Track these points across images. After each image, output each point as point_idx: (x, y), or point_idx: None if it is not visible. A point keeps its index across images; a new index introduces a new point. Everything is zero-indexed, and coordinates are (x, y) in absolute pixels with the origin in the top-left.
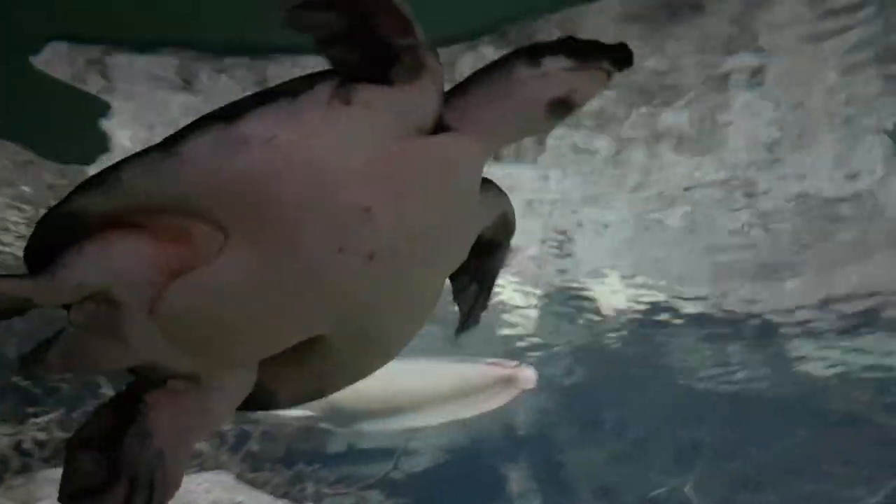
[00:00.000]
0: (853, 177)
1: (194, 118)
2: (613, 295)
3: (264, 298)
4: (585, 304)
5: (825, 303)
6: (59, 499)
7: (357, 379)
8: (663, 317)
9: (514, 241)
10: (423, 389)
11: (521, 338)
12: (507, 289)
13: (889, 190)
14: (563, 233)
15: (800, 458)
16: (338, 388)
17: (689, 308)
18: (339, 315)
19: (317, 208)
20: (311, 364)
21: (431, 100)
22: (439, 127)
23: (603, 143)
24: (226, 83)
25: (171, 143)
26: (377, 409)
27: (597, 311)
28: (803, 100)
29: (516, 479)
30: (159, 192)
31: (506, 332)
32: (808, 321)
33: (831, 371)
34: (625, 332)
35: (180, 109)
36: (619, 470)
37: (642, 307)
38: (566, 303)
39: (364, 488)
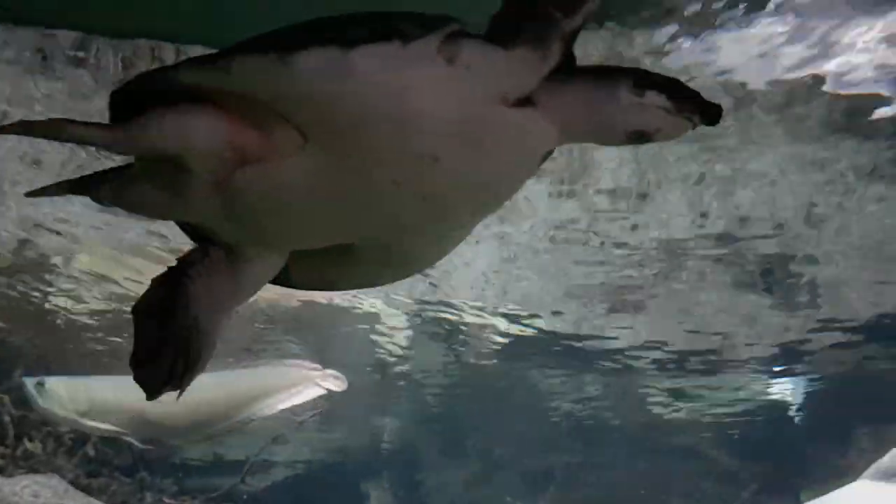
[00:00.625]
0: (703, 218)
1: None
2: (480, 321)
3: (319, 204)
4: (453, 328)
5: (672, 342)
6: (130, 364)
7: (367, 286)
8: (526, 344)
9: None
10: (224, 396)
11: (390, 357)
12: (379, 308)
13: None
14: None
15: (643, 488)
16: (347, 288)
17: (551, 338)
18: (376, 233)
19: (393, 146)
20: (332, 261)
21: (533, 77)
22: (525, 97)
23: None
24: (82, 73)
25: (288, 48)
26: (181, 423)
27: (463, 336)
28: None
29: (373, 496)
30: (261, 90)
31: (375, 351)
32: (655, 358)
33: (675, 407)
34: (489, 358)
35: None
36: (475, 491)
37: (507, 335)
38: (435, 325)
39: (208, 501)
